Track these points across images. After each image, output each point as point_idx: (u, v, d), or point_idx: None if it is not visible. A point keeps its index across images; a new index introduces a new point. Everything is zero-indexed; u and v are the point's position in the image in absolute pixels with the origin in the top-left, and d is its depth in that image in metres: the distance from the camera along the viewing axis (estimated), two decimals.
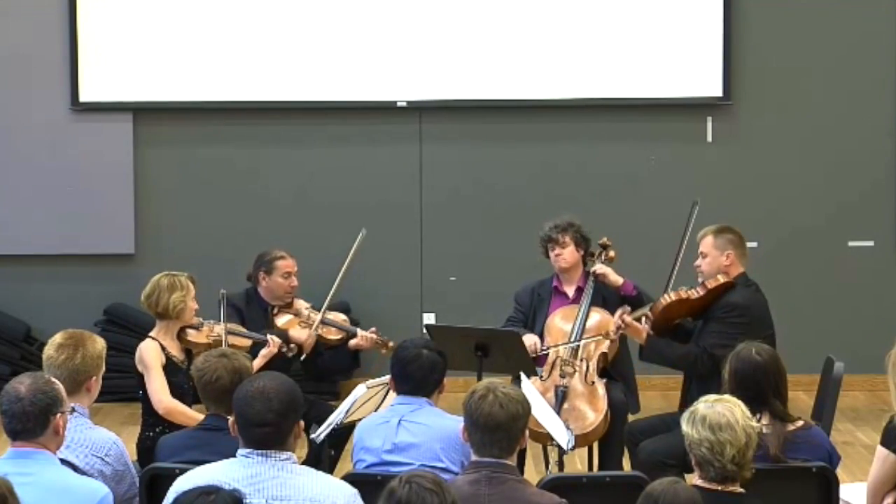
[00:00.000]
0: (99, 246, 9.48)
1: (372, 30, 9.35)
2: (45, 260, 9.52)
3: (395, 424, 4.96)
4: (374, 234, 9.45)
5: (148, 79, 9.36)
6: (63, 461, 4.43)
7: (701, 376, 6.18)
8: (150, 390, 6.20)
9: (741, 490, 4.28)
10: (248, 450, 4.12)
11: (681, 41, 9.32)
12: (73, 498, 4.19)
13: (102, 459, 4.72)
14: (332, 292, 7.05)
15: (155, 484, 4.77)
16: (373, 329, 7.06)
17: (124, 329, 9.06)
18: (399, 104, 9.41)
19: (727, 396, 4.44)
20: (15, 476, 3.93)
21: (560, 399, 6.38)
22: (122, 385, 7.94)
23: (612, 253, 6.89)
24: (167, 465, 4.82)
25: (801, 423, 5.00)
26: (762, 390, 4.94)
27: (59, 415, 4.28)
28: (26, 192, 9.37)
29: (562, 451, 5.70)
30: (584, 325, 6.64)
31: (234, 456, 4.16)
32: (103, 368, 5.02)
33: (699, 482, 4.28)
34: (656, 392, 8.36)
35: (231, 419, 4.27)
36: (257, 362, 6.30)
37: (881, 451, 4.91)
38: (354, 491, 4.14)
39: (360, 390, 5.36)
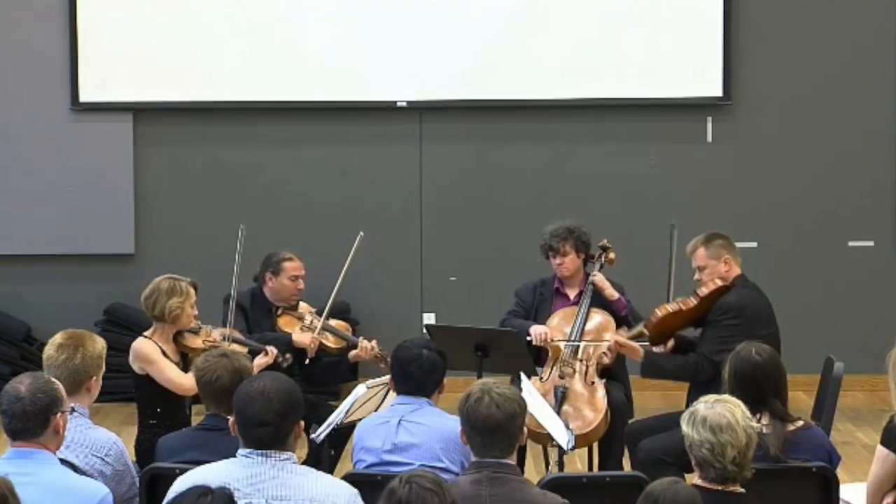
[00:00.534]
0: (99, 246, 9.48)
1: (372, 30, 9.35)
2: (45, 260, 9.52)
3: (395, 424, 4.96)
4: (374, 234, 9.45)
5: (148, 79, 9.36)
6: (63, 461, 4.43)
7: (705, 384, 6.16)
8: (165, 380, 6.17)
9: (741, 490, 4.28)
10: (249, 450, 4.12)
11: (681, 41, 9.31)
12: (73, 498, 4.19)
13: (102, 459, 4.72)
14: (332, 297, 7.02)
15: (155, 484, 4.77)
16: (374, 342, 7.03)
17: (124, 329, 9.05)
18: (399, 104, 9.41)
19: (727, 397, 4.44)
20: (15, 476, 3.93)
21: (560, 399, 6.38)
22: (122, 385, 7.91)
23: (611, 255, 6.89)
24: (167, 465, 4.82)
25: (801, 423, 5.00)
26: (762, 390, 4.94)
27: (59, 415, 4.28)
28: (26, 192, 9.37)
29: (562, 452, 5.69)
30: (584, 326, 6.64)
31: (234, 456, 4.16)
32: (103, 368, 5.02)
33: (699, 482, 4.28)
34: (656, 392, 8.36)
35: (231, 419, 4.27)
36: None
37: (881, 450, 4.91)
38: (354, 491, 4.14)
39: (360, 390, 5.37)
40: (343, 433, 5.94)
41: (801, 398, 7.65)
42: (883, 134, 9.45)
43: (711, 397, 4.37)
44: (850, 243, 9.49)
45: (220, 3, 9.36)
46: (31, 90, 9.38)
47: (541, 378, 6.51)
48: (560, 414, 6.20)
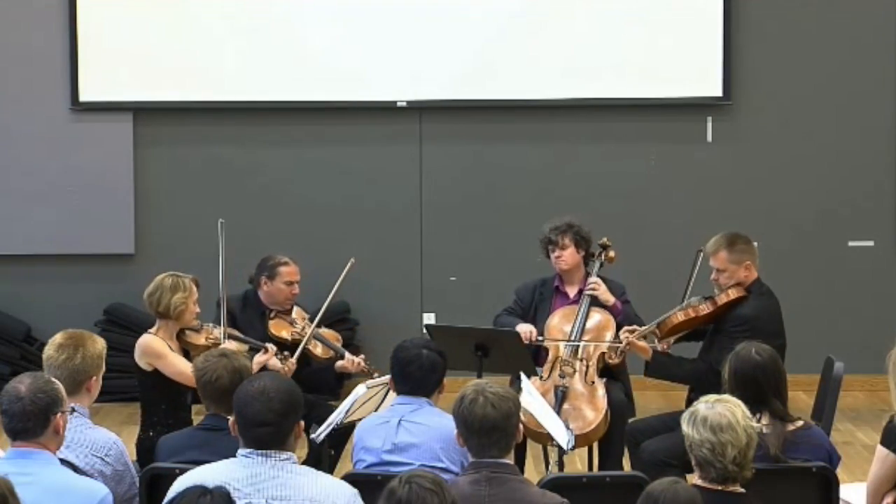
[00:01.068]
0: (99, 246, 9.48)
1: (372, 30, 9.35)
2: (45, 260, 9.52)
3: (395, 424, 4.96)
4: (374, 234, 9.50)
5: (148, 79, 9.36)
6: (63, 461, 4.43)
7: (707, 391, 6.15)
8: (175, 373, 6.19)
9: (741, 490, 4.28)
10: (249, 450, 4.13)
11: (681, 41, 9.31)
12: (73, 498, 4.19)
13: (102, 459, 4.72)
14: (324, 307, 6.99)
15: (155, 484, 4.77)
16: (362, 356, 7.02)
17: (124, 329, 9.05)
18: (399, 104, 9.41)
19: (727, 397, 4.44)
20: (15, 476, 3.93)
21: (560, 399, 6.38)
22: (122, 385, 7.95)
23: (611, 253, 6.88)
24: (167, 465, 4.82)
25: (801, 423, 5.00)
26: (762, 390, 4.94)
27: (59, 414, 4.28)
28: (26, 192, 9.37)
29: (562, 451, 5.70)
30: (584, 325, 6.64)
31: (234, 456, 4.16)
32: (103, 368, 5.02)
33: (699, 482, 4.28)
34: (656, 392, 8.36)
35: (231, 419, 4.27)
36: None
37: (881, 450, 4.92)
38: (354, 491, 4.14)
39: (360, 390, 5.37)
40: (343, 433, 5.94)
41: (801, 398, 7.65)
42: (883, 134, 9.45)
43: (712, 397, 4.36)
44: (850, 243, 9.49)
45: (220, 3, 9.36)
46: (31, 90, 9.38)
47: (541, 378, 6.51)
48: (560, 414, 6.20)
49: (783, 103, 9.45)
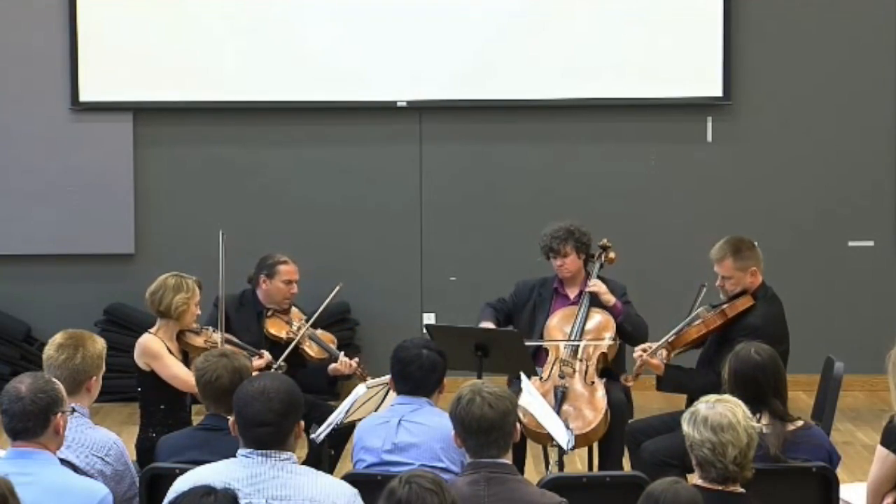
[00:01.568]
0: (99, 246, 9.48)
1: (372, 30, 9.35)
2: (45, 260, 9.52)
3: (395, 424, 4.96)
4: (374, 234, 9.49)
5: (148, 79, 9.36)
6: (63, 461, 4.43)
7: None
8: (170, 376, 6.20)
9: (742, 490, 4.28)
10: (249, 450, 4.12)
11: (681, 41, 9.31)
12: (73, 498, 4.19)
13: (102, 459, 4.72)
14: (318, 312, 6.99)
15: (155, 484, 4.77)
16: (356, 359, 7.02)
17: (124, 329, 9.05)
18: (399, 104, 9.41)
19: (727, 397, 4.44)
20: (15, 476, 3.93)
21: (560, 399, 6.38)
22: (122, 385, 7.94)
23: (612, 254, 6.88)
24: (167, 465, 4.82)
25: (801, 422, 5.00)
26: (761, 390, 4.94)
27: (59, 414, 4.28)
28: (26, 192, 9.37)
29: (562, 452, 5.69)
30: (584, 326, 6.64)
31: (234, 456, 4.16)
32: (103, 368, 5.02)
33: (700, 482, 4.28)
34: (656, 392, 8.35)
35: (231, 419, 4.27)
36: None
37: (881, 451, 4.92)
38: (354, 491, 4.14)
39: (360, 390, 5.37)
40: (343, 433, 5.94)
41: (801, 398, 7.65)
42: (883, 134, 9.45)
43: (712, 397, 4.36)
44: (850, 243, 9.49)
45: (220, 3, 9.36)
46: (31, 90, 9.38)
47: (541, 378, 6.51)
48: (560, 414, 6.20)
49: (783, 103, 9.45)
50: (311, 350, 6.95)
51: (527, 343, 6.54)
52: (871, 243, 9.48)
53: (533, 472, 6.91)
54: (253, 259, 7.30)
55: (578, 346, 6.56)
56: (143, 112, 9.44)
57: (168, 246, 9.38)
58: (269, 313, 7.04)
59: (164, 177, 9.51)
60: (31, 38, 9.35)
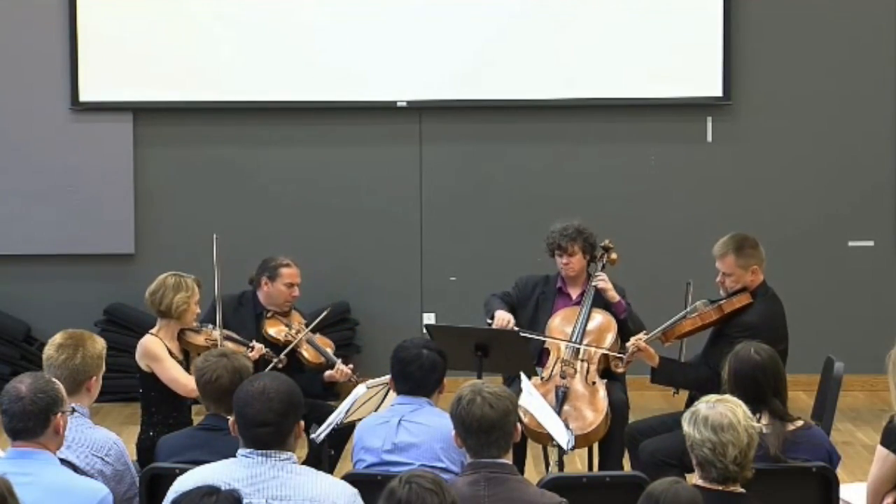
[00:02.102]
0: (99, 246, 9.48)
1: (372, 30, 9.35)
2: (45, 260, 9.51)
3: (395, 424, 4.96)
4: (374, 234, 9.49)
5: (148, 79, 9.36)
6: (63, 461, 4.43)
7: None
8: (169, 379, 6.21)
9: (742, 490, 4.28)
10: (249, 450, 4.13)
11: (681, 41, 9.31)
12: (73, 498, 4.19)
13: (102, 459, 4.72)
14: (319, 319, 7.00)
15: (155, 484, 4.77)
16: (351, 366, 7.00)
17: (124, 329, 9.06)
18: (399, 104, 9.41)
19: (728, 396, 4.44)
20: (15, 476, 3.93)
21: (560, 399, 6.38)
22: (122, 385, 7.95)
23: (613, 255, 6.88)
24: (167, 465, 4.82)
25: (800, 422, 5.00)
26: (761, 390, 4.94)
27: (59, 414, 4.28)
28: (26, 192, 9.37)
29: (562, 452, 5.69)
30: (586, 327, 6.64)
31: (234, 456, 4.16)
32: (103, 368, 5.02)
33: (700, 482, 4.28)
34: (656, 392, 8.35)
35: (231, 419, 4.27)
36: None
37: (881, 451, 4.92)
38: (354, 491, 4.14)
39: (360, 390, 5.37)
40: (343, 433, 5.94)
41: (801, 398, 7.65)
42: (883, 134, 9.45)
43: (713, 397, 4.36)
44: (850, 243, 9.49)
45: (219, 3, 9.35)
46: (31, 90, 9.37)
47: (541, 378, 6.51)
48: (560, 414, 6.20)
49: (783, 103, 9.44)
50: (308, 354, 6.94)
51: (528, 335, 6.54)
52: (871, 243, 9.48)
53: (533, 472, 6.91)
54: (253, 259, 7.30)
55: (579, 346, 6.55)
56: (143, 112, 9.44)
57: (168, 246, 9.38)
58: (269, 314, 7.04)
59: (164, 177, 9.51)
60: (31, 38, 9.34)
